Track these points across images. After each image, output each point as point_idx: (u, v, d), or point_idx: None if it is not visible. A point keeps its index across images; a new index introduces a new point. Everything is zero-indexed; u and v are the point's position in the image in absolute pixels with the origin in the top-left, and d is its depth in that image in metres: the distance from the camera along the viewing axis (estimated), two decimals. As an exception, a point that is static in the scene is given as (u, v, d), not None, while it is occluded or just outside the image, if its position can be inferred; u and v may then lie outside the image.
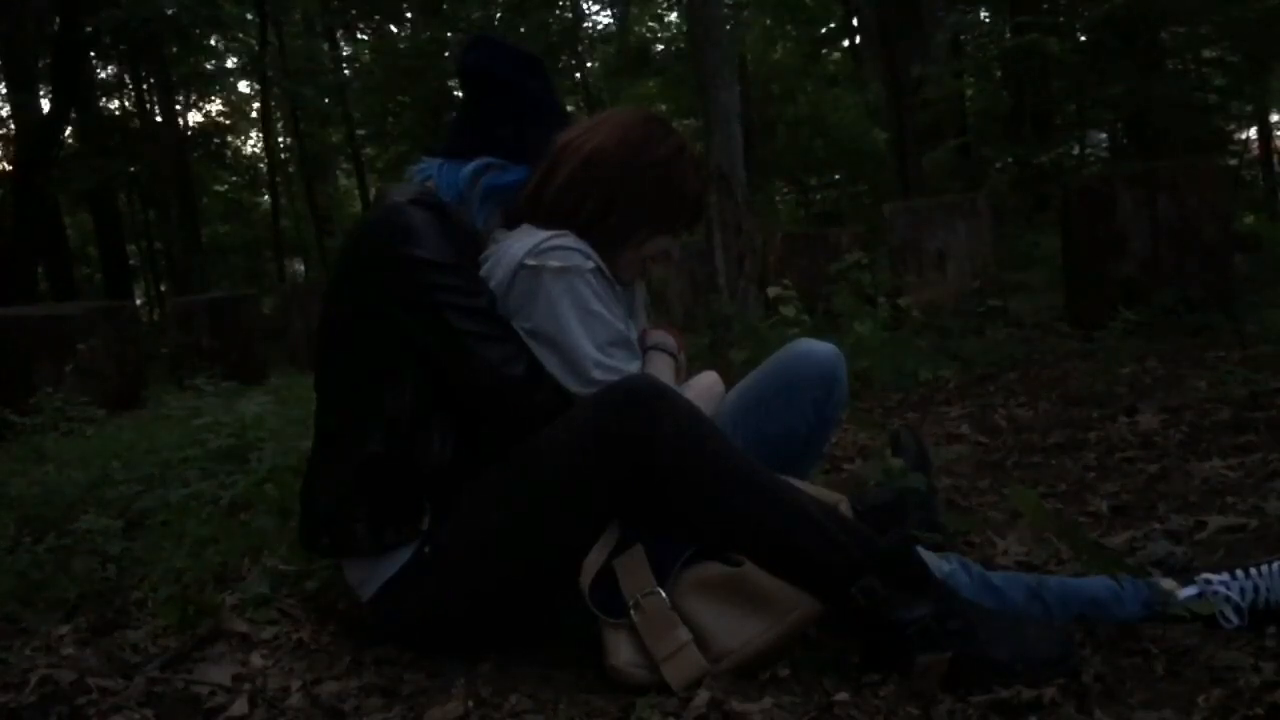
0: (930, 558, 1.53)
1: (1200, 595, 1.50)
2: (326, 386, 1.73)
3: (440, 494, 1.61)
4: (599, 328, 1.63)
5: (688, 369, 1.90)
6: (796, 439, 1.84)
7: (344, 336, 1.69)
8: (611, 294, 1.71)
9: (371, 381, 1.64)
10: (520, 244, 1.66)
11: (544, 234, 1.66)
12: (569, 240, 1.66)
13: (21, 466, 3.44)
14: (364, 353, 1.65)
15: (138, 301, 18.92)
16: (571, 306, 1.61)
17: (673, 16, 18.70)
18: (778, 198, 17.10)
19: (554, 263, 1.63)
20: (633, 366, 1.65)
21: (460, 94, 1.81)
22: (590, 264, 1.66)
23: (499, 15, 15.46)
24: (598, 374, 1.61)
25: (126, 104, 19.05)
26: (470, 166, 1.74)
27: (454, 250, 1.63)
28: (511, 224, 1.75)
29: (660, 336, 1.80)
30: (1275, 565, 1.51)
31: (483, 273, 1.68)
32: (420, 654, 1.66)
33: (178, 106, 18.58)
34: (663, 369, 1.74)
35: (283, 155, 18.87)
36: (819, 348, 1.86)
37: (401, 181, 1.78)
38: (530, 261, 1.63)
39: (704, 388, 1.80)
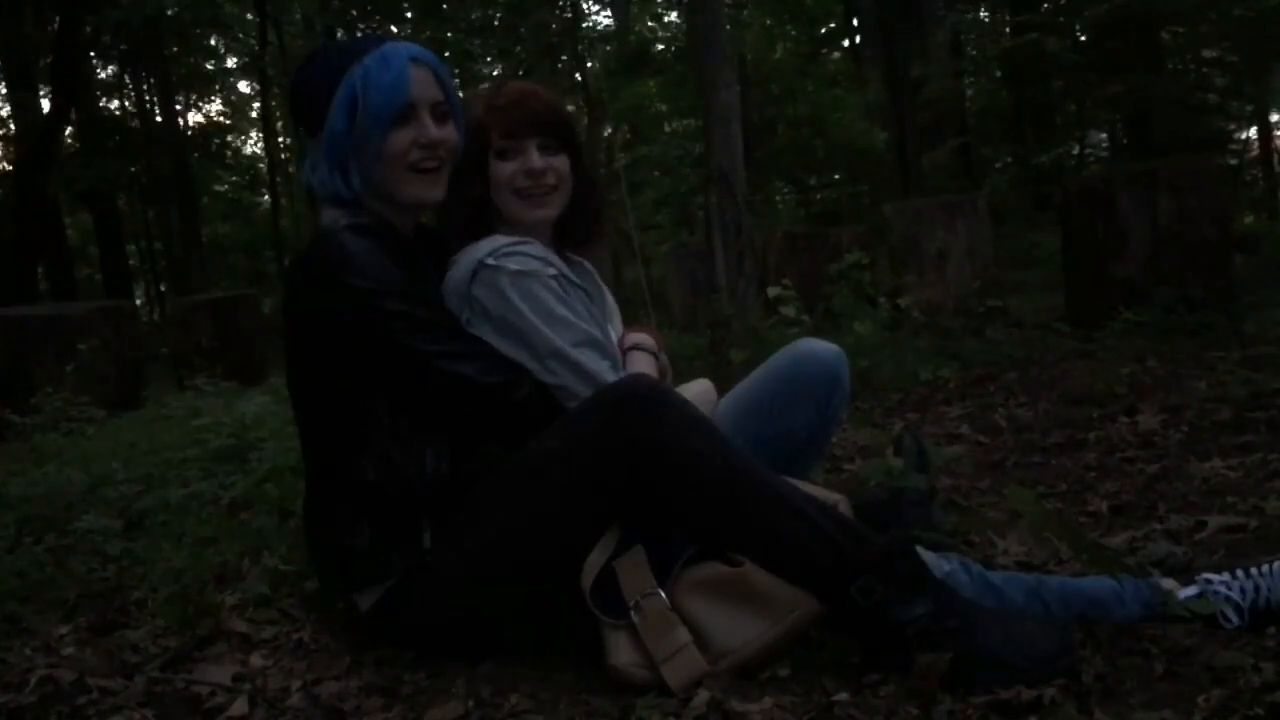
0: (930, 557, 1.53)
1: (1200, 595, 1.50)
2: (305, 421, 1.71)
3: (439, 508, 1.60)
4: (563, 330, 1.62)
5: (687, 370, 1.91)
6: (798, 439, 1.84)
7: (309, 374, 1.67)
8: (581, 298, 1.71)
9: (348, 415, 1.62)
10: (486, 244, 1.66)
11: (508, 239, 1.67)
12: (532, 248, 1.66)
13: (21, 466, 3.44)
14: (333, 388, 1.63)
15: (138, 301, 18.91)
16: (532, 311, 1.61)
17: (673, 16, 18.71)
18: (778, 198, 17.10)
19: (513, 265, 1.63)
20: (602, 365, 1.63)
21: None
22: (551, 270, 1.65)
23: (499, 15, 15.44)
24: (557, 365, 1.60)
25: (126, 104, 19.06)
26: (307, 160, 1.70)
27: (398, 271, 1.59)
28: (459, 229, 1.74)
29: (639, 336, 1.80)
30: (1276, 565, 1.51)
31: (446, 281, 1.68)
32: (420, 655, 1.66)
33: (178, 106, 18.58)
34: (644, 367, 1.73)
35: (283, 155, 18.86)
36: (822, 348, 1.86)
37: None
38: (490, 261, 1.63)
39: (694, 395, 1.80)
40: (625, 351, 1.75)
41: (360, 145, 1.63)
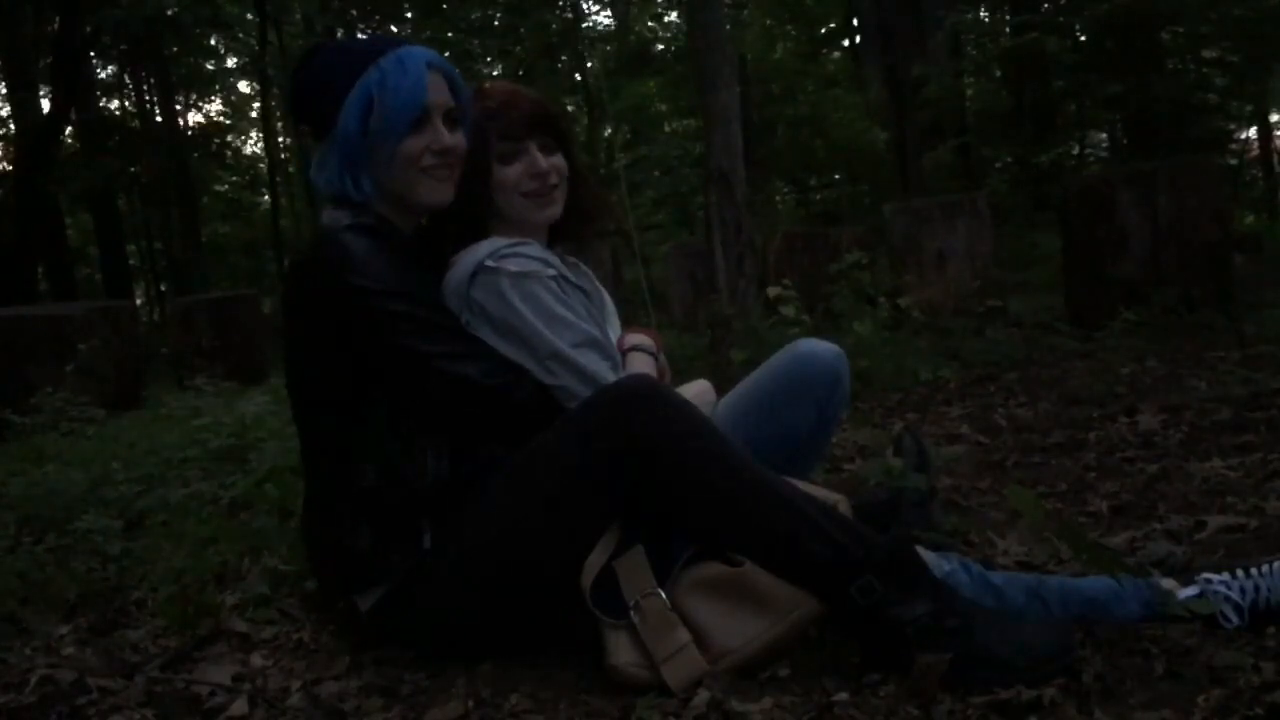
0: (930, 557, 1.53)
1: (1200, 595, 1.50)
2: (305, 422, 1.71)
3: (440, 509, 1.60)
4: (563, 330, 1.62)
5: (687, 370, 1.91)
6: (798, 439, 1.84)
7: (309, 374, 1.66)
8: (581, 300, 1.71)
9: (349, 415, 1.61)
10: (485, 246, 1.67)
11: (507, 240, 1.67)
12: (531, 249, 1.67)
13: (21, 466, 3.44)
14: (333, 389, 1.62)
15: (138, 301, 18.91)
16: (532, 312, 1.61)
17: (673, 16, 18.71)
18: (778, 198, 17.09)
19: (512, 267, 1.63)
20: (602, 365, 1.63)
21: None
22: (551, 271, 1.66)
23: (499, 15, 15.45)
24: (557, 366, 1.60)
25: (126, 104, 19.06)
26: (315, 159, 1.68)
27: (400, 272, 1.58)
28: (462, 229, 1.74)
29: (638, 338, 1.80)
30: (1275, 565, 1.51)
31: (445, 282, 1.68)
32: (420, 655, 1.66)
33: (178, 106, 18.58)
34: (644, 368, 1.73)
35: (283, 155, 18.86)
36: (822, 348, 1.86)
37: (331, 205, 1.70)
38: (490, 263, 1.63)
39: (693, 395, 1.80)
40: (625, 353, 1.75)
41: (373, 148, 1.63)
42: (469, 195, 1.73)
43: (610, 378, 1.61)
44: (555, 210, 1.79)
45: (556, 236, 1.86)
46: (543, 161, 1.75)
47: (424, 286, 1.65)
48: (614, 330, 1.84)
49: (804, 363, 1.85)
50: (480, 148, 1.72)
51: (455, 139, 1.67)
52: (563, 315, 1.63)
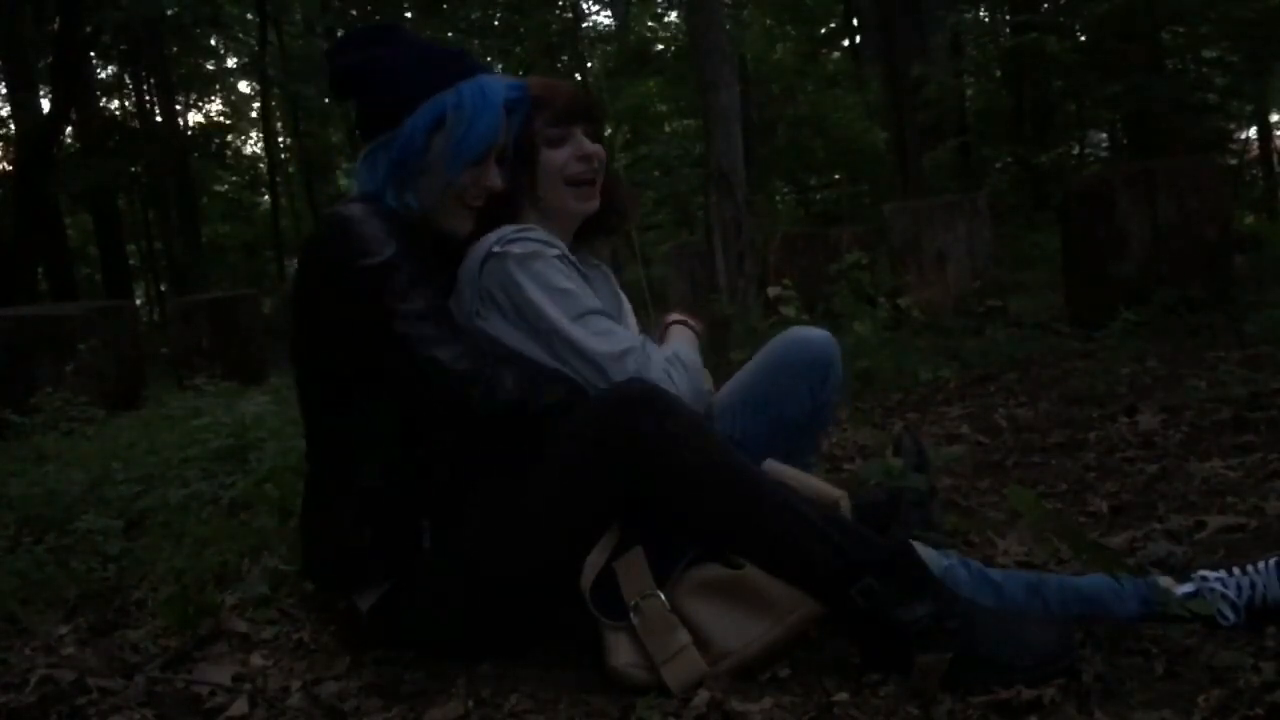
0: (929, 555, 1.53)
1: (1197, 593, 1.50)
2: (310, 415, 1.70)
3: (440, 508, 1.60)
4: (570, 303, 1.63)
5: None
6: (793, 426, 1.85)
7: (315, 367, 1.66)
8: (584, 280, 1.71)
9: (352, 413, 1.61)
10: (493, 235, 1.68)
11: (514, 226, 1.68)
12: (536, 233, 1.68)
13: (21, 466, 3.44)
14: (337, 385, 1.62)
15: (138, 301, 18.90)
16: (540, 289, 1.62)
17: (673, 16, 18.71)
18: (778, 198, 17.10)
19: (517, 250, 1.64)
20: (609, 338, 1.61)
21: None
22: (555, 251, 1.67)
23: (499, 15, 15.46)
24: (560, 344, 1.60)
25: (126, 104, 19.05)
26: (364, 153, 1.66)
27: (411, 258, 1.56)
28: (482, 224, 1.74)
29: (681, 315, 1.82)
30: (1272, 562, 1.51)
31: (460, 274, 1.68)
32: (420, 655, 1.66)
33: (178, 106, 18.57)
34: (687, 341, 1.74)
35: (283, 155, 18.87)
36: (812, 333, 1.87)
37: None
38: (497, 249, 1.64)
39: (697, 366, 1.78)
40: (667, 327, 1.77)
41: (429, 167, 1.62)
42: (512, 187, 1.72)
43: (610, 347, 1.59)
44: (594, 204, 1.80)
45: (585, 231, 1.86)
46: (589, 144, 1.77)
47: (432, 272, 1.62)
48: (623, 311, 1.85)
49: (795, 349, 1.85)
50: (526, 135, 1.73)
51: (499, 179, 1.68)
52: (565, 288, 1.63)
